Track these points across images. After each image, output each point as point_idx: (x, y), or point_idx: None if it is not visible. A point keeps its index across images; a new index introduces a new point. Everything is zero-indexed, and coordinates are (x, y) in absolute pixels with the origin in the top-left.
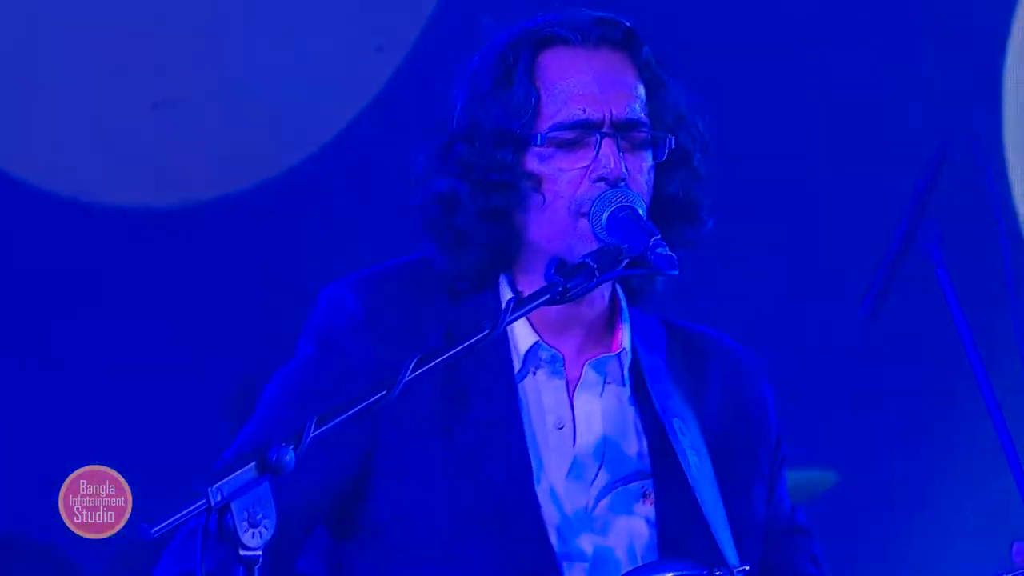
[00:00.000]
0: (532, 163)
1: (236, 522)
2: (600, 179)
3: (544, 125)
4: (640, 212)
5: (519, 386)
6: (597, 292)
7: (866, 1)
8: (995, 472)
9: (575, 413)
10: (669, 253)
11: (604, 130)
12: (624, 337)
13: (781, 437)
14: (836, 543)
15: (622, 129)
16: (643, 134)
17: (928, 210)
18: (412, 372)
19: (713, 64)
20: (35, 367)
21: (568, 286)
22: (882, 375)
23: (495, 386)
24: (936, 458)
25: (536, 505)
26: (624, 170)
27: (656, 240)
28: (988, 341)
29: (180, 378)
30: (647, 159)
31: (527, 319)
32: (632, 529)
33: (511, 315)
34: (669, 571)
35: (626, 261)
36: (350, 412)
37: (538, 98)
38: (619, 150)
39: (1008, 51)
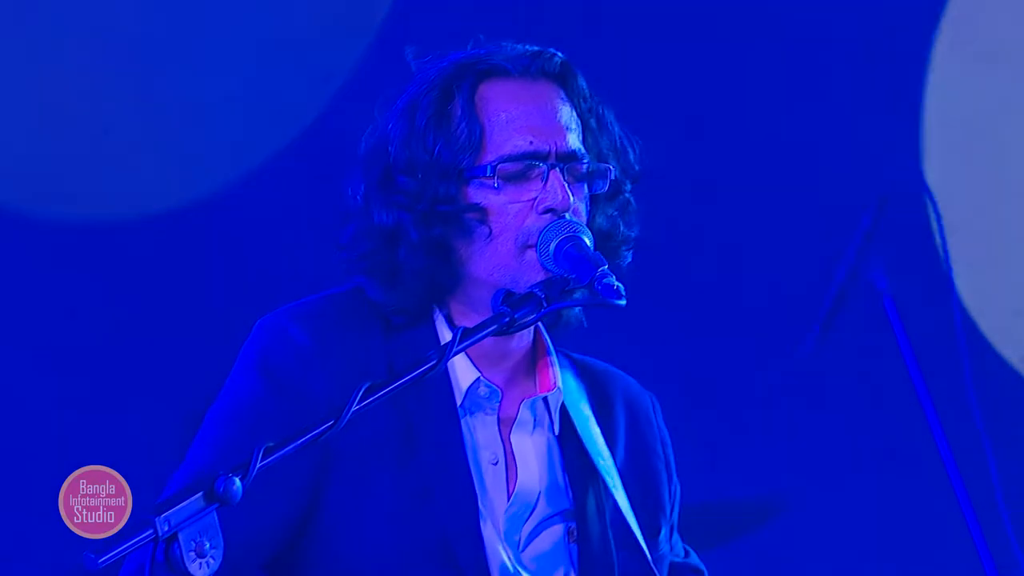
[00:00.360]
0: (477, 195)
1: (183, 552)
2: (548, 210)
3: (489, 157)
4: (587, 242)
5: (462, 421)
6: (523, 336)
7: (804, 37)
8: (942, 501)
9: (513, 451)
10: (617, 284)
11: (551, 161)
12: (555, 375)
13: (676, 474)
14: (780, 571)
15: (567, 160)
16: (584, 166)
17: (874, 241)
18: (359, 403)
19: (658, 97)
20: (35, 368)
21: (515, 316)
22: (830, 403)
23: (439, 422)
24: (882, 487)
25: (481, 543)
26: (571, 201)
27: (603, 271)
28: (934, 370)
29: (180, 379)
30: (585, 190)
31: (466, 354)
32: (559, 567)
33: (459, 345)
34: None
35: (576, 292)
36: (297, 443)
37: (482, 130)
38: (565, 180)
39: (927, 90)
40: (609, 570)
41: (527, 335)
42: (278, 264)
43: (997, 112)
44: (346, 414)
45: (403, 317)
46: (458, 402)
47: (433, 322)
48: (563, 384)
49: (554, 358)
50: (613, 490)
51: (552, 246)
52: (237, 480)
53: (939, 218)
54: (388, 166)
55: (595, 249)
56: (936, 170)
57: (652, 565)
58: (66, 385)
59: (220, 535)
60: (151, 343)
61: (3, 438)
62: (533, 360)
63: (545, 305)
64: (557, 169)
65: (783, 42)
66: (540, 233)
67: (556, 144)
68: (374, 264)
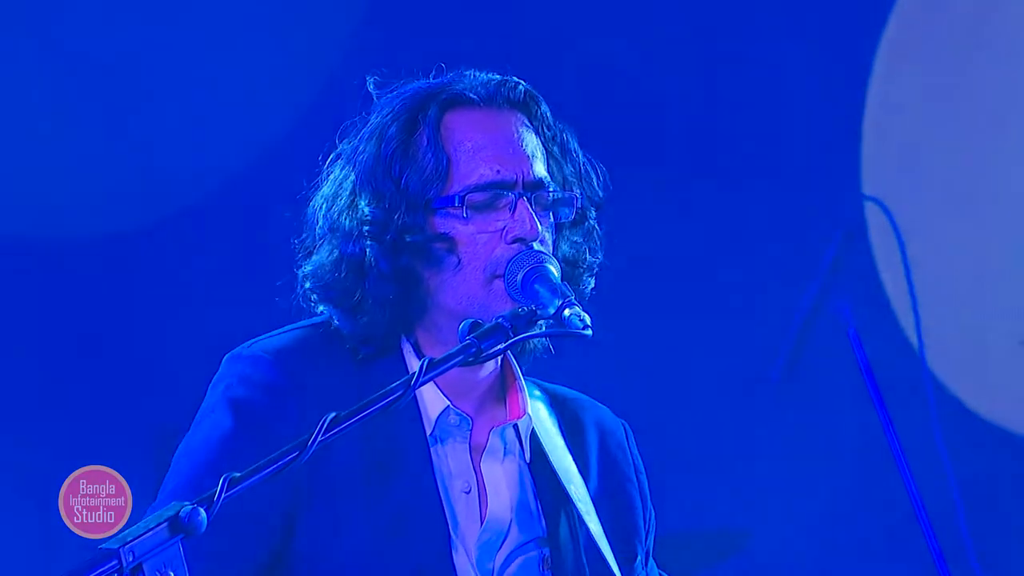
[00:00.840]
0: (444, 225)
1: None
2: (517, 240)
3: (456, 187)
4: (555, 272)
5: (432, 450)
6: (492, 365)
7: (763, 63)
8: (906, 531)
9: (484, 480)
10: (583, 314)
11: (518, 191)
12: (524, 403)
13: (650, 502)
14: None
15: (534, 189)
16: (550, 194)
17: (839, 272)
18: (323, 435)
19: (621, 128)
20: (35, 368)
21: (482, 347)
22: (795, 433)
23: (410, 452)
24: (847, 517)
25: (453, 572)
26: (539, 230)
27: (570, 301)
28: (898, 400)
29: (180, 379)
30: (550, 219)
31: (435, 383)
32: None
33: (425, 376)
34: None
35: (541, 322)
36: (262, 474)
37: (448, 160)
38: (532, 209)
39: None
40: None
41: (494, 364)
42: (272, 267)
43: (937, 142)
44: (311, 445)
45: (370, 347)
46: (428, 431)
47: (401, 352)
48: (533, 411)
49: (523, 385)
50: (585, 516)
51: (519, 276)
52: (202, 511)
53: (903, 248)
54: (354, 195)
55: (561, 277)
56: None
57: None
58: (66, 385)
59: (185, 566)
60: (152, 344)
61: (3, 438)
62: (503, 388)
63: (511, 335)
64: (524, 198)
65: (740, 74)
66: (507, 263)
67: (523, 173)
68: (340, 294)
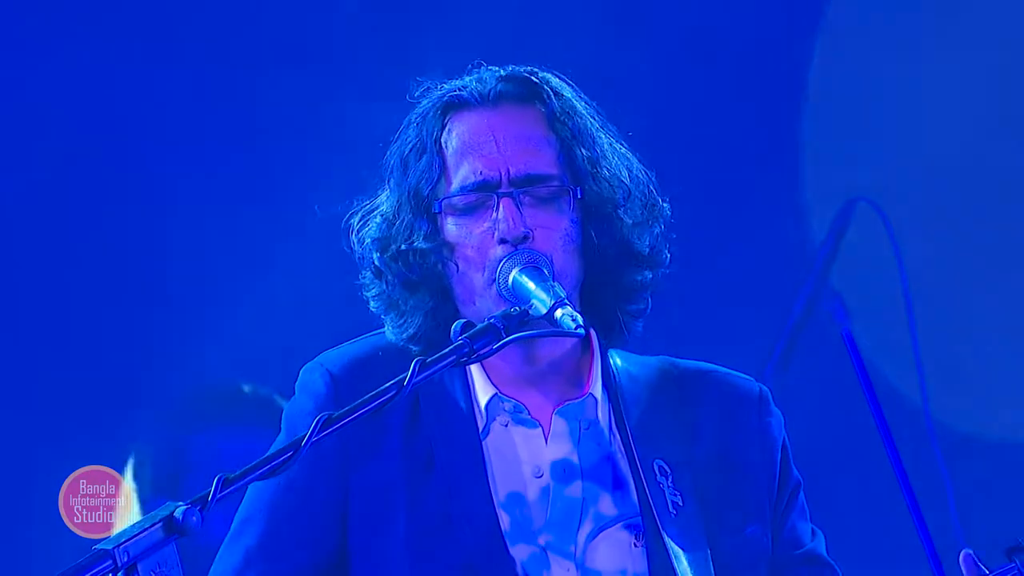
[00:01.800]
0: (444, 230)
1: None
2: (502, 240)
3: (447, 191)
4: (545, 271)
5: (484, 443)
6: (549, 348)
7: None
8: (900, 529)
9: (549, 461)
10: (574, 312)
11: (501, 190)
12: (594, 382)
13: (790, 465)
14: None
15: (523, 185)
16: (548, 188)
17: (832, 272)
18: (318, 434)
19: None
20: (35, 368)
21: (475, 347)
22: (788, 432)
23: (458, 446)
24: (841, 516)
25: (509, 561)
26: (525, 227)
27: (561, 301)
28: (892, 401)
29: (181, 380)
30: (561, 212)
31: (484, 374)
32: (627, 572)
33: (417, 376)
34: None
35: (535, 320)
36: (254, 475)
37: (442, 165)
38: (519, 207)
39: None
40: (682, 570)
41: (551, 354)
42: (270, 270)
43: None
44: (305, 446)
45: (419, 347)
46: (480, 425)
47: None
48: (627, 387)
49: (597, 366)
50: (668, 492)
51: (509, 278)
52: (196, 511)
53: (896, 248)
54: (379, 202)
55: (607, 265)
56: None
57: (706, 570)
58: (66, 385)
59: (179, 566)
60: (153, 344)
61: (3, 438)
62: (582, 369)
63: (504, 335)
64: (509, 197)
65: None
66: (498, 265)
67: (508, 171)
68: (383, 303)
